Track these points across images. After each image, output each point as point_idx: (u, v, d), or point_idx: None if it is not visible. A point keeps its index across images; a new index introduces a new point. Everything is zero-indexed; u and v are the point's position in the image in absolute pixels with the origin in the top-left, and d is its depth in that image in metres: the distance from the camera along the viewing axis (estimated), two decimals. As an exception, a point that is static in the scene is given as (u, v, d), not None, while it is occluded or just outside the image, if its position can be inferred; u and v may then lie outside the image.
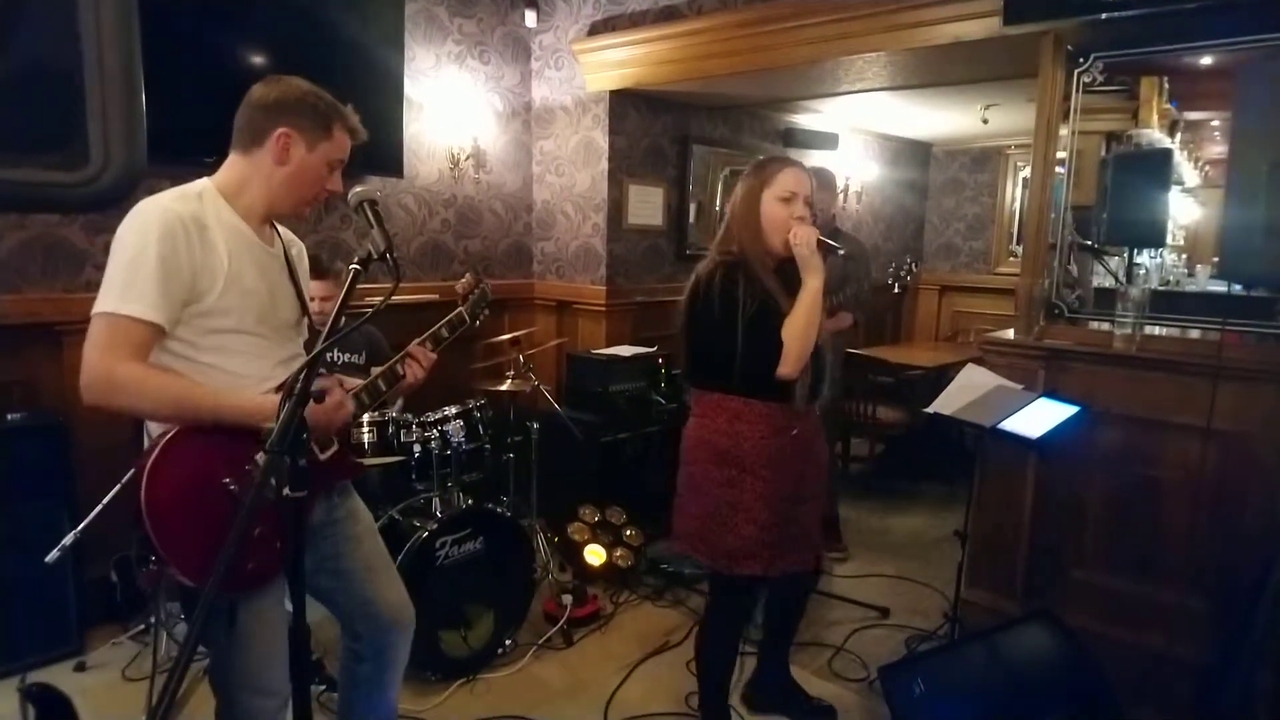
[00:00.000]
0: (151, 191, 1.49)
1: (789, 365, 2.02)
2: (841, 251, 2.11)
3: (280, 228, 1.74)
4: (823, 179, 3.62)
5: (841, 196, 5.84)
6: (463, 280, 1.96)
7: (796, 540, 2.16)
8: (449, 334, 1.89)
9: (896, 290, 3.35)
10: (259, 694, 1.58)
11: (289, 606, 1.58)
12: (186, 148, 2.40)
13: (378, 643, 1.86)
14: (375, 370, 1.81)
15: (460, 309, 1.94)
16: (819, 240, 2.07)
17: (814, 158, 5.27)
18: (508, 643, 2.92)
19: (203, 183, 1.58)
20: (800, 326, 2.01)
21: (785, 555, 2.14)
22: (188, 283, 1.46)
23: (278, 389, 1.56)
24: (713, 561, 2.17)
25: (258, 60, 3.14)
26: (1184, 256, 4.14)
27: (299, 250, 1.80)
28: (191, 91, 2.69)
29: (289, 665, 1.47)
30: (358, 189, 1.48)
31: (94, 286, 2.88)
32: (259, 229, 1.62)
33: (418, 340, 1.83)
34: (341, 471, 1.75)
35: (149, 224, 1.43)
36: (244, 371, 1.56)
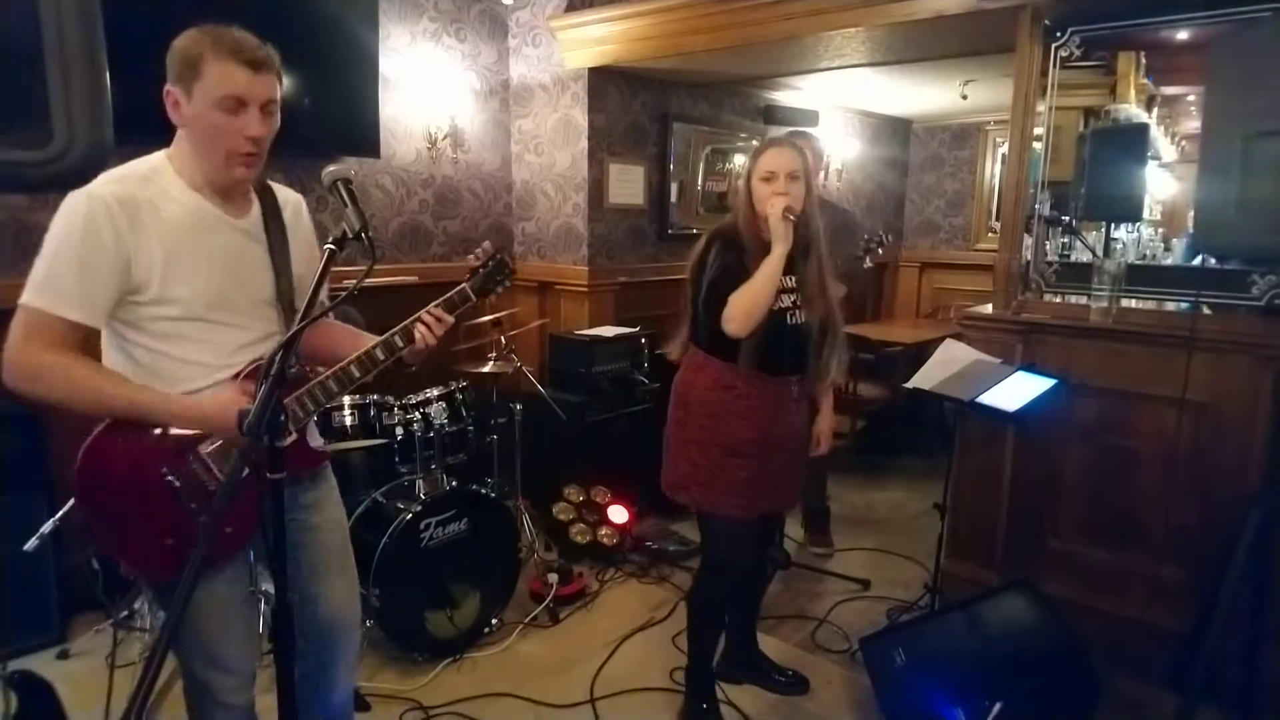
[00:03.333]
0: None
1: (732, 323, 2.13)
2: (793, 218, 2.13)
3: (277, 188, 1.63)
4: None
5: (823, 173, 5.83)
6: (477, 250, 1.77)
7: (728, 487, 2.26)
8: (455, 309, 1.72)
9: (868, 264, 3.36)
10: (215, 669, 1.56)
11: (265, 586, 1.55)
12: (156, 126, 2.36)
13: (315, 642, 1.78)
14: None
15: (464, 284, 1.73)
16: (785, 209, 2.13)
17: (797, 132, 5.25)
18: (494, 622, 2.94)
19: (159, 155, 1.50)
20: (753, 287, 2.12)
21: (712, 497, 2.27)
22: (117, 274, 1.39)
23: (235, 376, 1.51)
24: (668, 489, 2.39)
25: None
26: (1160, 230, 4.18)
27: (295, 209, 1.66)
28: (160, 69, 2.64)
29: (279, 643, 1.40)
30: (331, 168, 1.44)
31: (66, 271, 2.84)
32: (222, 201, 1.51)
33: (434, 304, 1.68)
34: (300, 461, 1.63)
35: (75, 212, 1.36)
36: (197, 359, 1.48)
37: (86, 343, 1.44)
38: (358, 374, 1.59)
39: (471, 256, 1.77)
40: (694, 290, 2.26)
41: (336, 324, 1.86)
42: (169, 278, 1.43)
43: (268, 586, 1.61)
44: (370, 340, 1.64)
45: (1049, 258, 2.98)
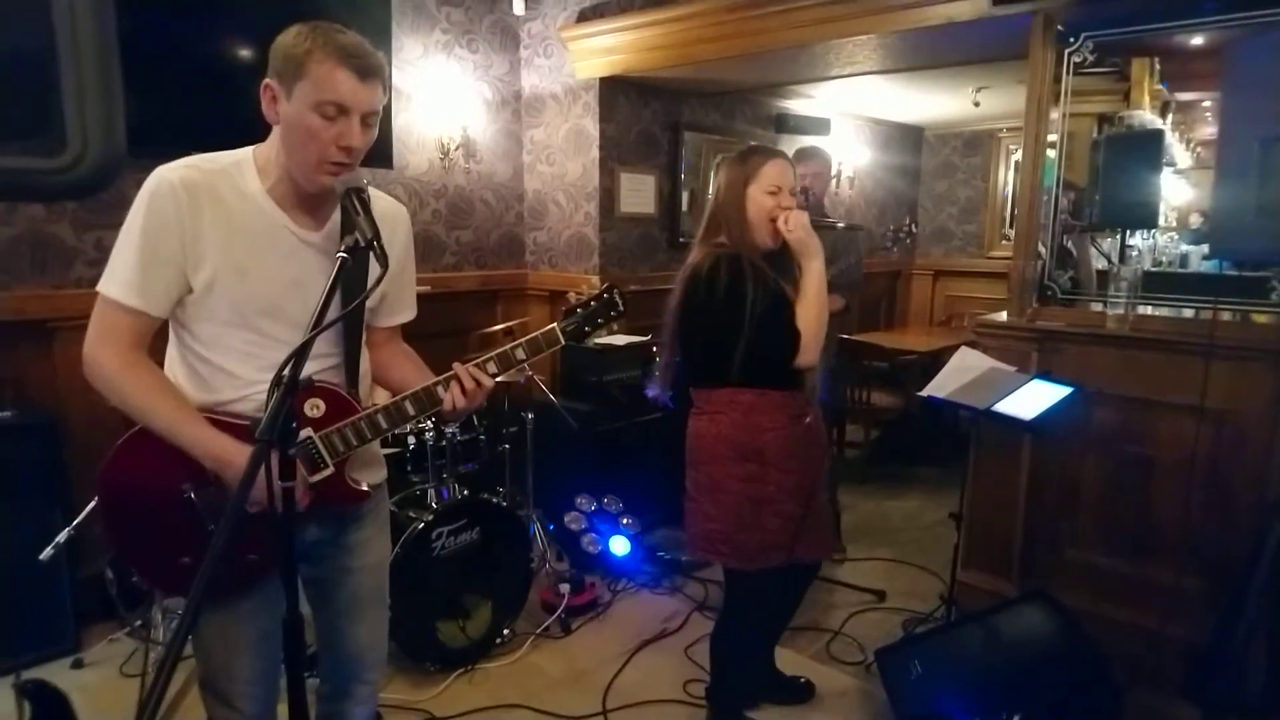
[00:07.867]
0: (137, 184, 1.42)
1: (810, 353, 2.03)
2: (841, 225, 2.10)
3: (379, 198, 1.50)
4: (816, 158, 3.48)
5: (835, 181, 5.82)
6: (584, 285, 1.61)
7: (814, 528, 2.16)
8: (524, 356, 1.55)
9: (896, 253, 3.30)
10: (215, 698, 1.53)
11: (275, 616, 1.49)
12: (167, 138, 2.36)
13: (335, 681, 1.70)
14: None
15: (553, 325, 1.56)
16: (812, 221, 2.09)
17: (806, 143, 5.25)
18: (506, 632, 2.92)
19: (245, 150, 1.45)
20: (814, 312, 2.04)
21: (803, 543, 2.13)
22: (177, 259, 1.35)
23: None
24: (738, 562, 2.13)
25: (241, 49, 3.10)
26: (1177, 237, 4.15)
27: (390, 225, 1.49)
28: (172, 81, 2.66)
29: (287, 656, 1.33)
30: (342, 176, 1.44)
31: (84, 283, 2.88)
32: (294, 210, 1.44)
33: (478, 360, 1.51)
34: (337, 497, 1.51)
35: (145, 193, 1.34)
36: (233, 370, 1.42)
37: (152, 337, 1.41)
38: (385, 425, 1.49)
39: (572, 294, 1.60)
40: (714, 326, 2.05)
41: (409, 359, 1.73)
42: (217, 278, 1.38)
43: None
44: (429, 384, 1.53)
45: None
